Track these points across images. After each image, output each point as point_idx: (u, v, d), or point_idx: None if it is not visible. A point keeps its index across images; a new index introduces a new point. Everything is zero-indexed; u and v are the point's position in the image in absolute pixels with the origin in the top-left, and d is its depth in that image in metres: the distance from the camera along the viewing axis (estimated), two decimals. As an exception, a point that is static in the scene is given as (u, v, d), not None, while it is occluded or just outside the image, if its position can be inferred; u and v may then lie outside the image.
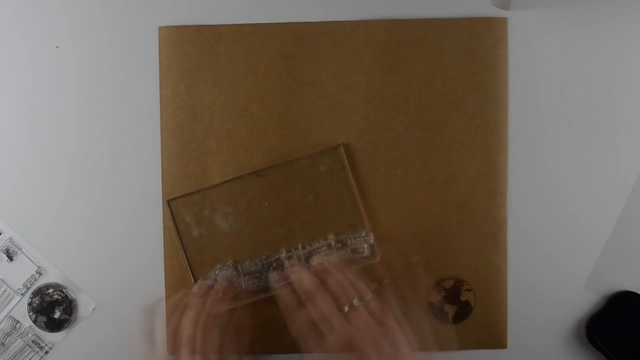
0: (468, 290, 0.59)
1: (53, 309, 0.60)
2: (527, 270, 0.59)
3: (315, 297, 0.52)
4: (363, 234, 0.58)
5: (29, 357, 0.60)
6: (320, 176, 0.58)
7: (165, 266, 0.59)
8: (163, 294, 0.59)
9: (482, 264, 0.59)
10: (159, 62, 0.59)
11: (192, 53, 0.58)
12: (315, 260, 0.57)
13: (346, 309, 0.51)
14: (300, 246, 0.58)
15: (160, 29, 0.59)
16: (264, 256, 0.58)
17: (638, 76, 0.58)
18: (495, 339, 0.59)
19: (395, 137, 0.58)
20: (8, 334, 0.60)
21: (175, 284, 0.59)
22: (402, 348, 0.50)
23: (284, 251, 0.58)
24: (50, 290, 0.60)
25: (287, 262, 0.58)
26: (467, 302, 0.59)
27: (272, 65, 0.58)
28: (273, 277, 0.57)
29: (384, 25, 0.58)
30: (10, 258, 0.60)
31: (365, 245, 0.58)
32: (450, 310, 0.59)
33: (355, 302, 0.51)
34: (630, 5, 0.58)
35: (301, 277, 0.55)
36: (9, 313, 0.60)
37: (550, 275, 0.59)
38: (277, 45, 0.58)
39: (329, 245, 0.58)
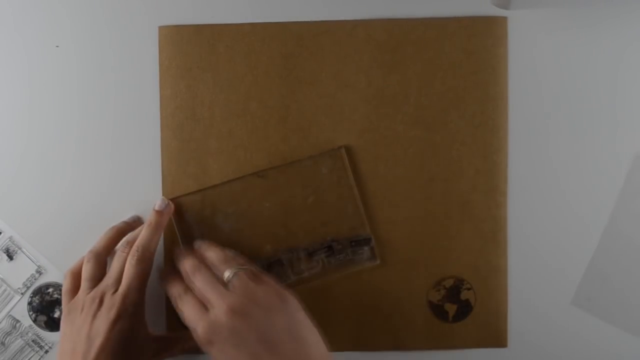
0: (468, 289, 0.59)
1: (53, 308, 0.60)
2: (528, 270, 0.59)
3: (195, 274, 0.52)
4: (363, 237, 0.58)
5: (29, 357, 0.60)
6: (321, 178, 0.58)
7: (165, 266, 0.59)
8: (163, 295, 0.59)
9: (483, 263, 0.59)
10: (158, 61, 0.59)
11: (192, 52, 0.58)
12: (196, 244, 0.57)
13: (226, 275, 0.51)
14: (300, 247, 0.58)
15: (160, 28, 0.59)
16: (264, 257, 0.58)
17: (639, 75, 0.58)
18: (496, 338, 0.59)
19: (395, 136, 0.58)
20: (8, 333, 0.60)
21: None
22: (288, 303, 0.50)
23: (283, 252, 0.58)
24: (50, 290, 0.60)
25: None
26: (468, 301, 0.59)
27: (272, 65, 0.58)
28: (161, 273, 0.57)
29: (383, 25, 0.58)
30: (10, 257, 0.60)
31: (366, 248, 0.58)
32: (450, 309, 0.59)
33: (233, 270, 0.51)
34: (630, 4, 0.58)
35: (182, 259, 0.55)
36: (9, 312, 0.60)
37: (551, 274, 0.59)
38: (277, 45, 0.58)
39: (329, 247, 0.58)
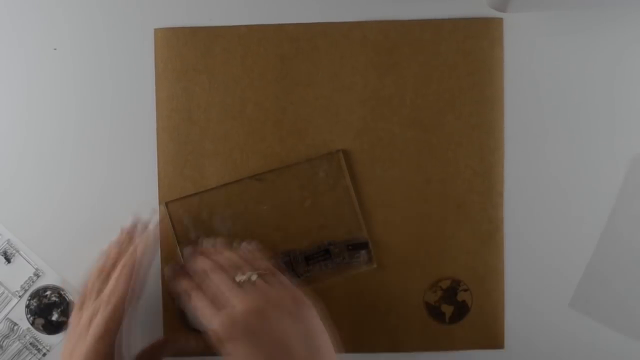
0: (465, 290, 0.59)
1: (51, 311, 0.60)
2: (524, 270, 0.59)
3: (211, 275, 0.51)
4: (360, 240, 0.58)
5: (27, 360, 0.61)
6: (318, 181, 0.58)
7: (162, 268, 0.59)
8: (160, 297, 0.59)
9: (479, 264, 0.59)
10: (154, 63, 0.59)
11: (188, 55, 0.58)
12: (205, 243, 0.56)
13: (238, 278, 0.50)
14: (297, 251, 0.58)
15: (156, 30, 0.59)
16: None
17: (634, 78, 0.58)
18: (492, 339, 0.59)
19: (391, 138, 0.58)
20: (6, 336, 0.60)
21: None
22: (304, 308, 0.50)
23: (281, 255, 0.58)
24: (48, 293, 0.60)
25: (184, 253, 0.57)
26: (464, 303, 0.59)
27: (268, 67, 0.58)
28: (168, 271, 0.56)
29: (379, 26, 0.58)
30: (8, 260, 0.60)
31: (363, 252, 0.58)
32: (447, 310, 0.59)
33: (248, 275, 0.51)
34: (625, 8, 0.58)
35: (194, 259, 0.54)
36: (6, 315, 0.60)
37: (547, 275, 0.59)
38: (272, 47, 0.58)
39: (327, 251, 0.58)
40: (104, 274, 0.55)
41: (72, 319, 0.54)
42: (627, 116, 0.58)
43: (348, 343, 0.59)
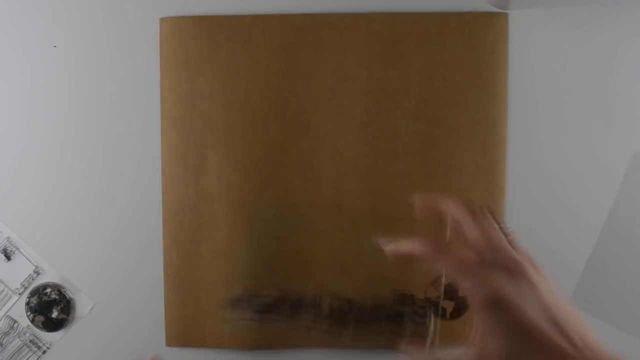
0: (467, 286, 0.59)
1: (51, 308, 0.59)
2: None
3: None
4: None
5: (26, 357, 0.59)
6: None
7: (164, 264, 0.58)
8: (162, 293, 0.59)
9: (482, 259, 0.59)
10: (159, 53, 0.58)
11: (192, 44, 0.58)
12: None
13: None
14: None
15: (161, 20, 0.58)
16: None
17: (635, 73, 0.59)
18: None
19: (395, 131, 0.58)
20: (6, 334, 0.59)
21: (174, 284, 0.58)
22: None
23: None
24: (48, 290, 0.59)
25: None
26: (465, 298, 0.59)
27: (272, 57, 0.58)
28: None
29: (384, 18, 0.58)
30: (8, 258, 0.59)
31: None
32: (448, 306, 0.59)
33: None
34: (628, 3, 0.58)
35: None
36: (6, 313, 0.59)
37: (550, 270, 0.59)
38: (277, 37, 0.58)
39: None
40: None
41: None
42: (631, 112, 0.59)
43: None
